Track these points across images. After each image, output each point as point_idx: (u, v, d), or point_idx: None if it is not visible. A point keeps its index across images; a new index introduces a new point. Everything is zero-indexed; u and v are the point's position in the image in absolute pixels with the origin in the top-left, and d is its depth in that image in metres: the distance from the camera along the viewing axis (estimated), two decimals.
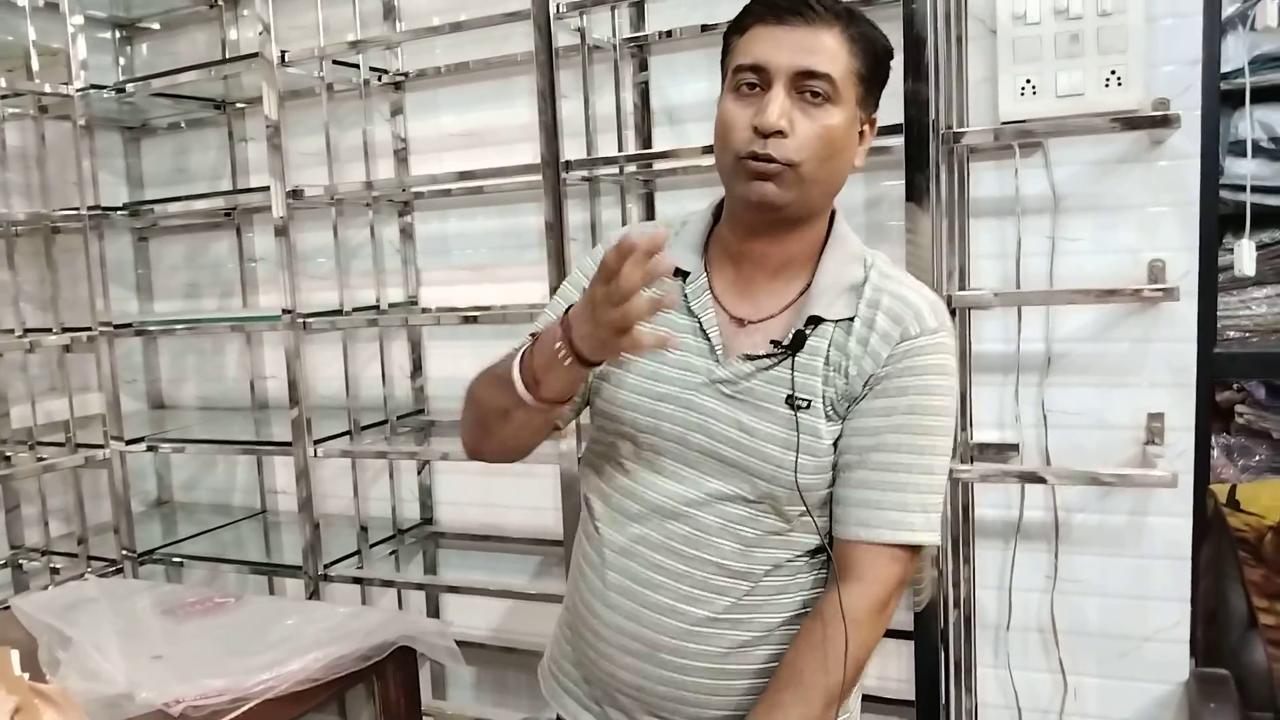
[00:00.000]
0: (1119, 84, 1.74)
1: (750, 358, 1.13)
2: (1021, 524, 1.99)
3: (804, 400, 1.11)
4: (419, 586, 2.50)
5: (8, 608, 1.67)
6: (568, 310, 1.05)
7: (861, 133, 1.15)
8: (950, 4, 1.79)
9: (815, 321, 1.12)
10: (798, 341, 1.11)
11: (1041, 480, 1.85)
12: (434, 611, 2.61)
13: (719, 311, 1.17)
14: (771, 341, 1.13)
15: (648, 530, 1.17)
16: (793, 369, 1.11)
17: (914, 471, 1.10)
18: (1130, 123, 1.68)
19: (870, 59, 1.11)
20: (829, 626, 1.10)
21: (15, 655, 1.44)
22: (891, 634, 1.98)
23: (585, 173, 2.09)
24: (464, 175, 2.20)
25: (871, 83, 1.13)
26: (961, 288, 1.92)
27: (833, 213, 1.20)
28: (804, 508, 1.13)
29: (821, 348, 1.12)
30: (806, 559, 1.18)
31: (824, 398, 1.12)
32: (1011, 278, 1.94)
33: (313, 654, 1.35)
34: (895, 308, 1.12)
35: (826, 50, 1.07)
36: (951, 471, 1.74)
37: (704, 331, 1.16)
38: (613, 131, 2.16)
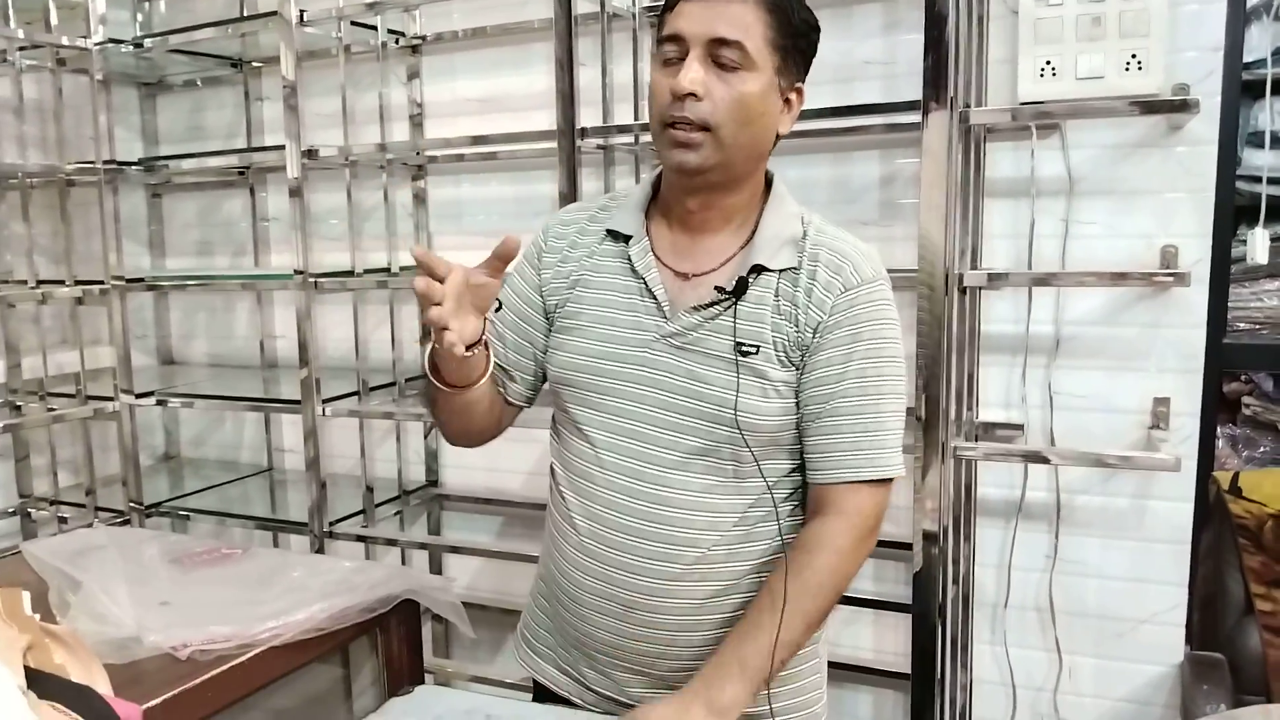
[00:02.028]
0: (1139, 68, 1.73)
1: (697, 309, 1.18)
2: (1023, 504, 2.00)
3: (751, 346, 1.16)
4: (422, 546, 2.51)
5: (18, 552, 1.69)
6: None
7: (788, 100, 1.18)
8: None
9: (758, 271, 1.17)
10: (741, 288, 1.16)
11: (1045, 460, 1.86)
12: (437, 572, 2.63)
13: (662, 270, 1.22)
14: (716, 288, 1.17)
15: (611, 493, 1.21)
16: (735, 316, 1.16)
17: (878, 413, 1.16)
18: (1149, 107, 1.68)
19: (786, 28, 1.15)
20: (813, 555, 1.14)
21: (27, 596, 1.45)
22: (889, 606, 2.02)
23: (600, 141, 2.09)
24: (479, 140, 2.21)
25: (791, 51, 1.16)
26: (973, 267, 1.92)
27: (771, 176, 1.25)
28: (749, 450, 1.16)
29: (766, 296, 1.17)
30: (767, 509, 1.21)
31: (774, 344, 1.16)
32: (1024, 258, 1.94)
33: (318, 604, 1.37)
34: (833, 260, 1.17)
35: (739, 20, 1.11)
36: (956, 449, 1.78)
37: (650, 290, 1.20)
38: (629, 100, 2.16)
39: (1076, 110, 1.76)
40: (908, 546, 1.83)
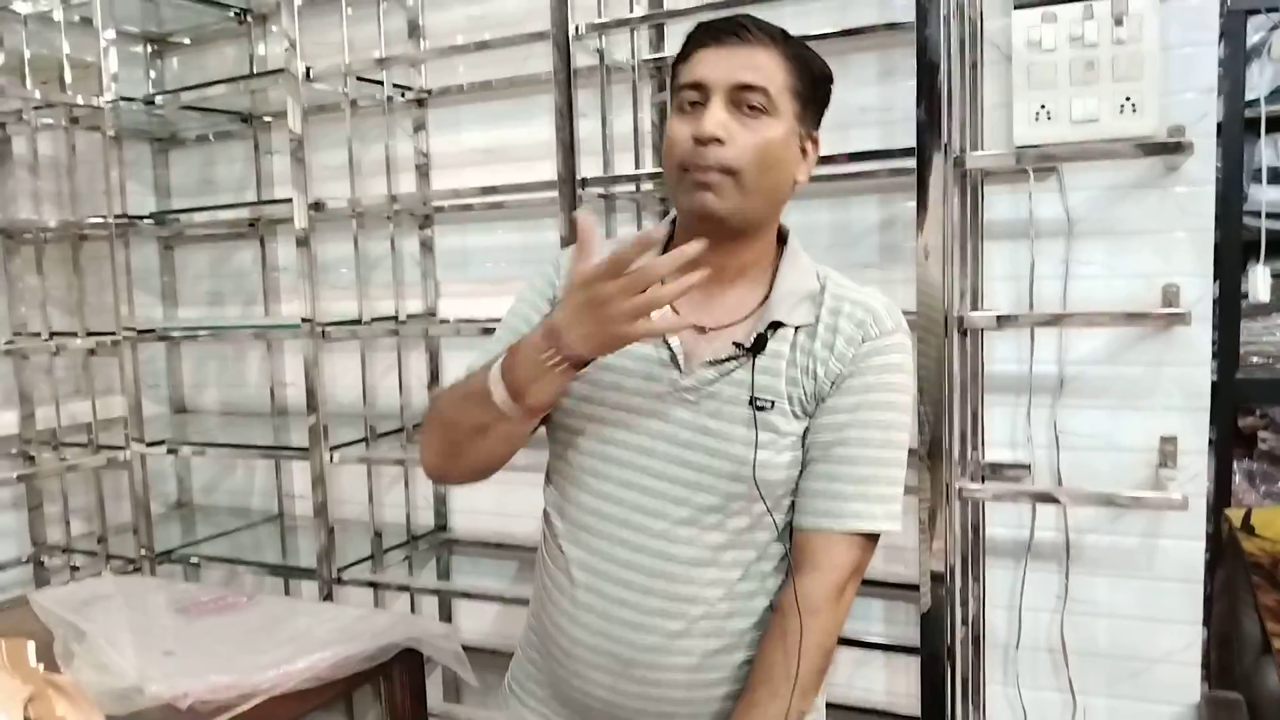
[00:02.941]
0: (1134, 110, 1.75)
1: (713, 363, 1.16)
2: (1032, 544, 1.99)
3: (766, 401, 1.15)
4: (432, 592, 2.52)
5: (27, 602, 1.70)
6: (545, 318, 1.08)
7: (805, 150, 1.19)
8: (965, 31, 1.81)
9: (776, 326, 1.16)
10: (760, 344, 1.15)
11: (1055, 501, 1.85)
12: (446, 617, 2.63)
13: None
14: (734, 343, 1.16)
15: (612, 546, 1.18)
16: (753, 370, 1.15)
17: (875, 464, 1.15)
18: (1144, 149, 1.70)
19: (806, 77, 1.16)
20: (789, 619, 1.13)
21: (31, 646, 1.47)
22: (898, 649, 2.00)
23: (601, 190, 2.11)
24: (485, 190, 2.24)
25: (809, 100, 1.17)
26: (974, 309, 1.93)
27: (785, 231, 1.25)
28: (765, 504, 1.15)
29: (784, 350, 1.16)
30: (774, 562, 1.20)
31: (790, 398, 1.15)
32: (1025, 300, 1.95)
33: (320, 653, 1.37)
34: (856, 313, 1.17)
35: (762, 66, 1.12)
36: (961, 490, 1.77)
37: (665, 342, 1.18)
38: (629, 150, 2.19)
39: (1072, 153, 1.77)
40: (915, 588, 1.82)
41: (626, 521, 1.18)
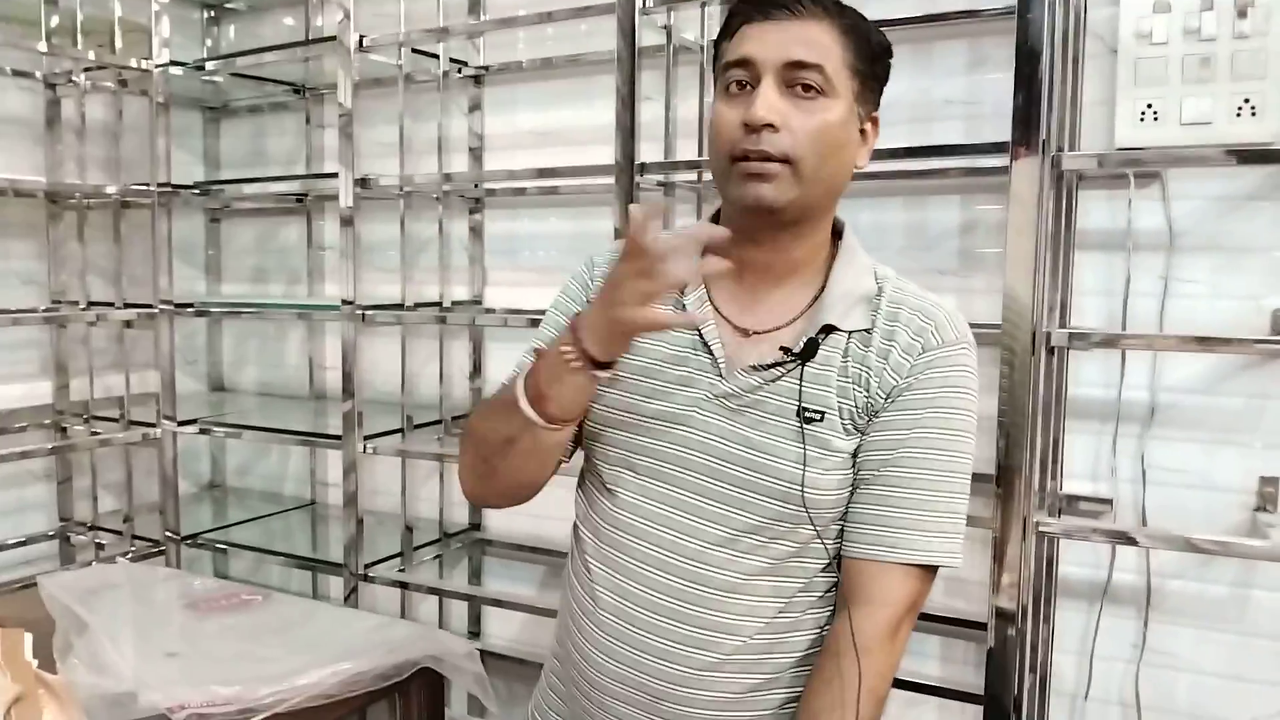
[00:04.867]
0: (1252, 114, 1.58)
1: (758, 368, 1.05)
2: (1109, 586, 1.82)
3: (816, 412, 1.03)
4: (463, 596, 2.40)
5: (35, 584, 1.62)
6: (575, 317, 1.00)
7: (863, 131, 1.08)
8: (1069, 19, 1.65)
9: (828, 330, 1.05)
10: (809, 349, 1.04)
11: (1134, 542, 1.67)
12: (475, 620, 2.52)
13: (721, 323, 1.10)
14: (781, 348, 1.05)
15: (641, 567, 1.08)
16: (801, 379, 1.04)
17: (932, 489, 1.03)
18: (1262, 156, 1.53)
19: (865, 51, 1.05)
20: (841, 659, 1.02)
21: (29, 639, 1.38)
22: (962, 696, 1.85)
23: (661, 177, 1.98)
24: (541, 173, 2.12)
25: (868, 77, 1.06)
26: (1062, 325, 1.77)
27: (841, 225, 1.13)
28: (813, 529, 1.04)
29: (835, 358, 1.05)
30: (819, 594, 1.09)
31: (840, 410, 1.04)
32: (1117, 317, 1.79)
33: (331, 667, 1.27)
34: (915, 321, 1.05)
35: (816, 42, 1.01)
36: (1038, 525, 1.62)
37: (705, 344, 1.08)
38: (693, 136, 2.06)
39: (1179, 158, 1.61)
40: (979, 626, 1.67)
41: (658, 540, 1.08)
